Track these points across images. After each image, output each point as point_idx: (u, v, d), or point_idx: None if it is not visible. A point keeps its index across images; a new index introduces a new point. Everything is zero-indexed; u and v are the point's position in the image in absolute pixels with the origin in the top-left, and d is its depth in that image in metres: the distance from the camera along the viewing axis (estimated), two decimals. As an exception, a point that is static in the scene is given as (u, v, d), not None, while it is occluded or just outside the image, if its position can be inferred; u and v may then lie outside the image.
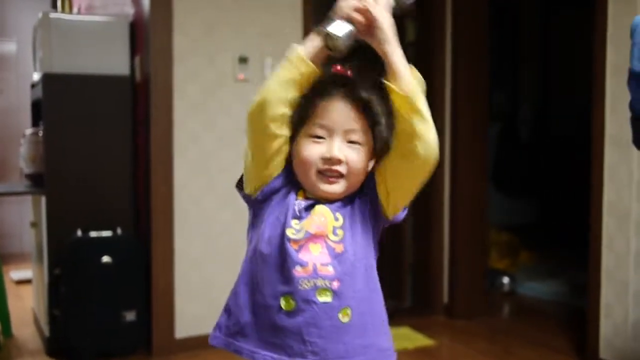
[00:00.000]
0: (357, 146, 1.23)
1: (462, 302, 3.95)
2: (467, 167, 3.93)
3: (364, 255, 1.25)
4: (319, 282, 1.19)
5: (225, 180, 3.23)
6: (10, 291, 3.91)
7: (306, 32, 3.53)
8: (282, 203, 1.25)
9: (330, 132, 1.22)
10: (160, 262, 3.27)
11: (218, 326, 1.29)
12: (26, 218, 4.57)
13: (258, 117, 1.21)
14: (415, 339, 3.49)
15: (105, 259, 3.16)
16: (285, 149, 1.24)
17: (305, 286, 1.19)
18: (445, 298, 4.00)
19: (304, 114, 1.23)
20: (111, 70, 3.35)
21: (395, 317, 4.09)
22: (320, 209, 1.24)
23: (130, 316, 3.22)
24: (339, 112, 1.22)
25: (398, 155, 1.21)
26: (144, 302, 3.27)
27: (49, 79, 3.25)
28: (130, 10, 3.49)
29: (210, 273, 3.36)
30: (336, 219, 1.24)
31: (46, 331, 3.31)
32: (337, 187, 1.23)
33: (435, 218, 3.97)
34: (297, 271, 1.19)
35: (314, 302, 1.19)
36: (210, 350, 3.60)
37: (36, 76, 3.53)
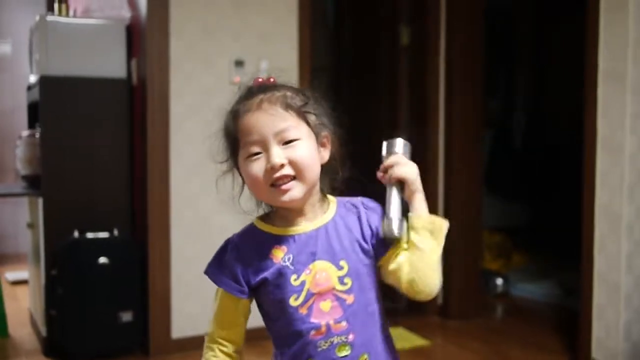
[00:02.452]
0: (295, 142, 1.17)
1: (456, 303, 3.98)
2: (461, 172, 3.96)
3: (373, 295, 1.24)
4: (335, 340, 1.18)
5: (221, 182, 3.25)
6: (6, 292, 3.92)
7: (302, 36, 3.56)
8: (270, 274, 1.20)
9: (263, 143, 1.16)
10: (156, 263, 3.30)
11: None
12: (21, 219, 4.58)
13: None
14: (409, 340, 3.53)
15: (102, 259, 3.18)
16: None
17: (324, 347, 1.18)
18: (440, 299, 4.03)
19: (233, 141, 1.21)
20: (108, 73, 3.36)
21: (391, 317, 4.11)
22: (320, 264, 1.19)
23: (126, 317, 3.24)
24: (260, 120, 1.16)
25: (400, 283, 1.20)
26: (141, 303, 3.29)
27: (45, 82, 3.27)
28: (127, 13, 3.51)
29: (206, 274, 3.38)
30: (340, 268, 1.20)
31: (43, 331, 3.33)
32: (295, 192, 1.17)
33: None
34: (313, 335, 1.18)
35: (334, 359, 1.18)
36: (207, 350, 3.58)
37: (33, 78, 3.54)
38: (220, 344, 1.25)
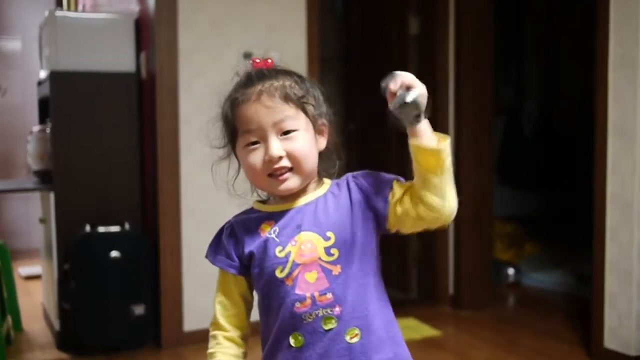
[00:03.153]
0: (293, 134, 1.17)
1: (468, 293, 3.97)
2: (472, 160, 3.94)
3: (365, 267, 1.20)
4: (321, 312, 1.16)
5: (231, 174, 3.26)
6: (19, 287, 3.95)
7: (310, 26, 3.55)
8: (255, 247, 1.21)
9: (261, 133, 1.17)
10: (168, 256, 3.31)
11: None
12: (33, 214, 4.61)
13: None
14: (421, 330, 3.53)
15: (114, 253, 3.20)
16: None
17: (309, 319, 1.17)
18: (451, 289, 4.03)
19: (231, 129, 1.22)
20: (117, 67, 3.38)
21: (402, 308, 4.14)
22: (305, 235, 1.19)
23: (139, 310, 3.26)
24: (259, 109, 1.17)
25: (415, 211, 1.15)
26: (153, 296, 3.31)
27: (55, 77, 3.28)
28: (135, 7, 3.51)
29: (218, 267, 3.39)
30: (327, 239, 1.18)
31: (56, 325, 3.35)
32: (292, 182, 1.19)
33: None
34: (298, 307, 1.17)
35: (320, 333, 1.17)
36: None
37: (43, 74, 3.56)
38: (223, 328, 1.27)
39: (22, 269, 4.96)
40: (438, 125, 3.98)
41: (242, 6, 3.42)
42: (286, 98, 1.18)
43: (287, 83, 1.20)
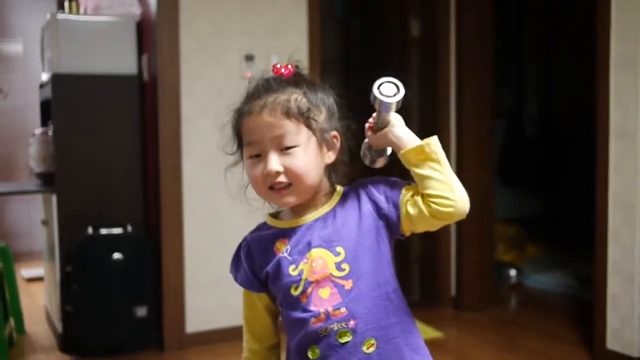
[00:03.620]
0: (293, 150, 1.18)
1: (470, 295, 3.98)
2: (474, 163, 3.95)
3: (378, 278, 1.22)
4: (336, 327, 1.18)
5: (234, 177, 3.26)
6: (22, 289, 3.95)
7: (311, 29, 3.56)
8: (271, 267, 1.24)
9: (262, 147, 1.19)
10: (170, 258, 3.31)
11: None
12: (35, 217, 4.61)
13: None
14: (423, 332, 3.49)
15: (116, 255, 3.20)
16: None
17: (324, 333, 1.19)
18: (453, 291, 4.03)
19: (238, 138, 1.25)
20: (119, 70, 3.38)
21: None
22: (316, 252, 1.20)
23: (141, 312, 3.26)
24: (260, 124, 1.18)
25: (428, 211, 1.16)
26: (155, 298, 3.31)
27: (57, 79, 3.29)
28: (137, 10, 3.52)
29: (220, 268, 3.39)
30: (337, 254, 1.20)
31: (59, 327, 3.36)
32: (289, 198, 1.21)
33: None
34: (313, 323, 1.19)
35: (336, 346, 1.19)
36: (221, 344, 3.63)
37: (45, 76, 3.56)
38: (250, 343, 1.33)
39: (25, 271, 4.97)
40: (439, 127, 4.00)
41: (243, 9, 3.43)
42: (288, 113, 1.18)
43: (294, 97, 1.19)
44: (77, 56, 3.30)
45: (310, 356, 1.21)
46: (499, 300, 4.20)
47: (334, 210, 1.24)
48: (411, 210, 1.18)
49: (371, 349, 1.19)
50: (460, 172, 3.93)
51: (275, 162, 1.17)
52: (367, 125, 1.26)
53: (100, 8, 3.71)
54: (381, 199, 1.22)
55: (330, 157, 1.24)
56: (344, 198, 1.25)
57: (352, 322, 1.18)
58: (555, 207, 6.09)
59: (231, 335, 3.26)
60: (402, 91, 1.18)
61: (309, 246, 1.21)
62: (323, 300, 1.19)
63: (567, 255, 5.09)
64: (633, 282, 2.96)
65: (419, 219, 1.18)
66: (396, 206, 1.20)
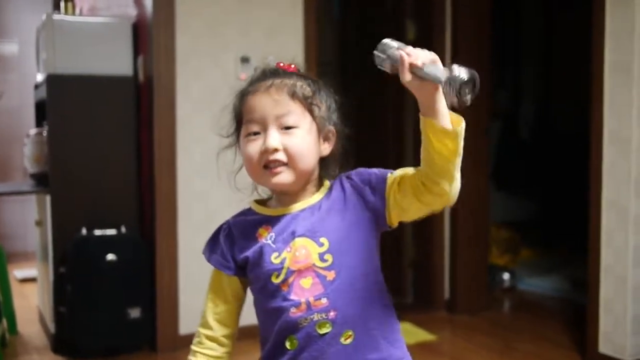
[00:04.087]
0: (294, 130, 1.19)
1: (463, 298, 3.98)
2: (468, 165, 3.90)
3: (361, 270, 1.21)
4: (316, 317, 1.18)
5: (226, 178, 3.27)
6: (15, 290, 3.94)
7: (307, 30, 3.56)
8: (251, 253, 1.23)
9: (263, 123, 1.19)
10: (164, 260, 3.31)
11: None
12: (29, 217, 4.60)
13: None
14: (416, 334, 3.53)
15: (110, 256, 3.20)
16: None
17: (304, 323, 1.18)
18: (447, 294, 4.04)
19: (237, 116, 1.25)
20: (114, 71, 3.38)
21: (397, 312, 4.12)
22: (300, 242, 1.20)
23: (135, 313, 3.26)
24: (265, 100, 1.19)
25: (420, 198, 1.15)
26: (149, 299, 3.31)
27: (52, 80, 3.29)
28: (133, 11, 3.52)
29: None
30: (320, 245, 1.20)
31: (52, 328, 3.35)
32: (284, 177, 1.20)
33: (436, 214, 3.98)
34: (293, 312, 1.18)
35: (315, 336, 1.18)
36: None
37: (40, 77, 3.56)
38: (209, 327, 1.29)
39: (18, 272, 4.96)
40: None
41: (239, 10, 3.43)
42: (293, 95, 1.20)
43: (299, 83, 1.22)
44: (72, 57, 3.30)
45: (287, 347, 1.20)
46: (492, 303, 4.21)
47: (320, 202, 1.25)
48: (401, 199, 1.18)
49: (348, 340, 1.19)
50: (455, 176, 3.94)
51: (275, 138, 1.18)
52: (407, 57, 1.15)
53: (96, 9, 3.71)
54: (366, 191, 1.22)
55: (326, 149, 1.26)
56: (330, 191, 1.26)
57: (332, 313, 1.18)
58: (549, 211, 6.10)
59: (225, 337, 3.27)
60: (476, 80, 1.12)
61: (293, 235, 1.21)
62: (304, 290, 1.19)
63: (561, 258, 5.11)
64: (625, 286, 2.98)
65: (409, 207, 1.19)
66: (382, 197, 1.20)
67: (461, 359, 3.31)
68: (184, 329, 3.36)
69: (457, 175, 1.18)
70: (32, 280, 4.50)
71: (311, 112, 1.22)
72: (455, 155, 1.15)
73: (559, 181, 5.99)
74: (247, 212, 1.30)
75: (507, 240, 4.94)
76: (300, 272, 1.19)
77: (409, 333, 3.54)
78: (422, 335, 3.53)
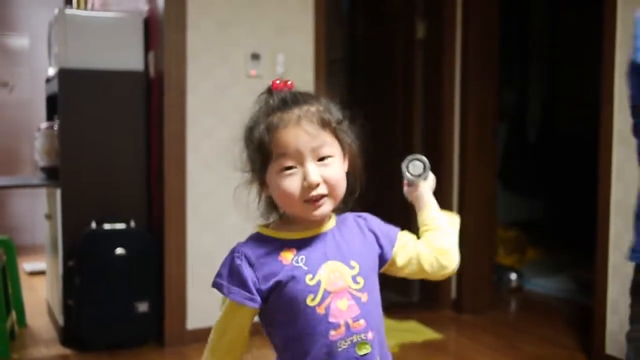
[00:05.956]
0: (329, 160, 1.18)
1: (470, 297, 3.98)
2: (476, 165, 3.95)
3: (379, 296, 1.26)
4: (355, 339, 1.18)
5: (236, 175, 3.28)
6: (23, 282, 3.96)
7: (317, 28, 3.57)
8: (283, 277, 1.18)
9: (299, 158, 1.16)
10: (172, 254, 3.33)
11: None
12: (38, 210, 4.63)
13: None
14: (423, 333, 3.54)
15: (119, 250, 3.22)
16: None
17: (344, 346, 1.17)
18: (453, 293, 4.04)
19: (265, 153, 1.18)
20: (125, 66, 3.40)
21: (403, 311, 4.15)
22: (332, 264, 1.19)
23: (142, 307, 3.28)
24: (300, 135, 1.16)
25: (421, 268, 1.31)
26: (157, 294, 3.33)
27: (64, 74, 3.31)
28: (144, 6, 3.54)
29: (222, 266, 3.41)
30: (351, 267, 1.21)
31: (60, 321, 3.38)
32: (326, 208, 1.19)
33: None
34: (332, 335, 1.17)
35: (355, 358, 1.18)
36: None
37: (51, 71, 3.58)
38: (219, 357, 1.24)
39: (27, 265, 4.99)
40: (442, 130, 4.00)
41: (249, 8, 3.44)
42: (324, 124, 1.19)
43: (321, 108, 1.20)
44: (84, 51, 3.32)
45: None
46: (498, 303, 4.21)
47: (337, 226, 1.26)
48: (404, 259, 1.30)
49: (378, 358, 1.22)
50: (463, 175, 3.95)
51: (316, 173, 1.16)
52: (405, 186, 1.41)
53: (108, 4, 3.73)
54: (379, 233, 1.29)
55: (346, 166, 1.26)
56: (340, 220, 1.27)
57: (370, 335, 1.19)
58: (555, 211, 6.09)
59: (231, 332, 3.28)
60: (428, 171, 1.38)
61: (325, 257, 1.20)
62: (342, 312, 1.18)
63: (567, 259, 5.10)
64: (633, 288, 2.97)
65: (407, 270, 1.30)
66: (392, 245, 1.29)
67: (467, 358, 3.32)
68: (191, 324, 3.37)
69: (457, 250, 1.36)
70: (41, 273, 4.52)
71: (338, 137, 1.21)
72: (456, 232, 1.38)
73: (565, 181, 5.98)
74: (258, 237, 1.24)
75: (513, 241, 4.94)
76: (336, 294, 1.18)
77: (415, 332, 3.55)
78: (428, 334, 3.54)
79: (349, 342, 1.17)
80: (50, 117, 3.76)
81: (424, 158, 1.38)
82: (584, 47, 4.94)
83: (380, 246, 1.27)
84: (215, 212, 3.39)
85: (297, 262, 1.18)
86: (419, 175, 1.37)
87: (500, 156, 5.24)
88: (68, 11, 3.35)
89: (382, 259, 1.28)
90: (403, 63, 4.29)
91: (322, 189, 1.17)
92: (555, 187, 6.15)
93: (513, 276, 4.57)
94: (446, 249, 1.32)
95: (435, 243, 1.32)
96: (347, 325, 1.17)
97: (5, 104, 5.98)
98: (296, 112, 1.17)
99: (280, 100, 1.19)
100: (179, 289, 3.35)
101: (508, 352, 3.36)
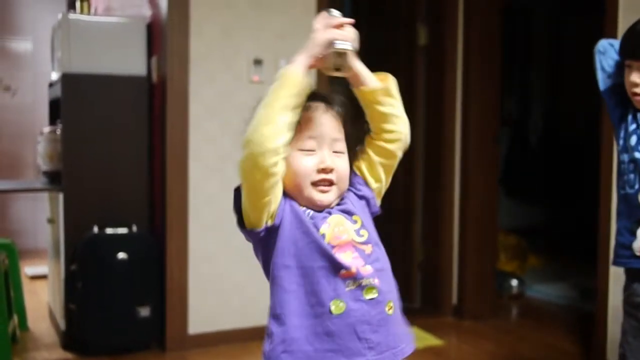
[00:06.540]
0: (340, 155, 1.29)
1: (471, 304, 3.98)
2: (478, 171, 3.96)
3: (382, 246, 1.32)
4: (364, 282, 1.24)
5: (238, 180, 3.28)
6: (25, 286, 3.97)
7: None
8: (293, 215, 1.25)
9: (320, 142, 1.27)
10: (174, 259, 3.33)
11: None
12: (40, 215, 4.64)
13: (260, 166, 1.18)
14: (424, 339, 3.54)
15: (121, 255, 3.22)
16: (283, 172, 1.23)
17: (352, 287, 1.23)
18: (454, 299, 4.04)
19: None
20: (128, 71, 3.41)
21: (405, 317, 4.13)
22: (334, 219, 1.27)
23: (144, 312, 3.28)
24: (326, 123, 1.28)
25: (381, 140, 1.32)
26: (158, 298, 3.33)
27: (67, 79, 3.32)
28: (147, 12, 3.55)
29: (224, 270, 3.42)
30: (354, 222, 1.29)
31: (62, 325, 3.38)
32: (330, 195, 1.28)
33: (445, 220, 4.01)
34: (342, 274, 1.23)
35: (363, 301, 1.23)
36: (223, 345, 3.63)
37: (54, 76, 3.59)
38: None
39: (29, 269, 4.99)
40: (445, 134, 3.99)
41: (252, 14, 3.45)
42: (343, 123, 1.31)
43: (341, 110, 1.33)
44: (87, 56, 3.33)
45: (332, 310, 1.21)
46: (499, 309, 4.21)
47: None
48: (370, 163, 1.33)
49: (391, 311, 1.27)
50: (465, 180, 3.95)
51: (333, 159, 1.27)
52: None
53: (111, 9, 3.75)
54: (354, 189, 1.34)
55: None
56: None
57: (376, 281, 1.25)
58: (557, 218, 6.09)
59: (233, 337, 3.28)
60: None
61: (328, 213, 1.28)
62: (350, 259, 1.25)
63: (569, 266, 5.10)
64: (634, 295, 2.97)
65: (378, 164, 1.33)
66: (361, 182, 1.34)
67: (468, 364, 3.32)
68: (192, 328, 3.37)
69: (403, 112, 1.35)
70: (43, 277, 4.53)
71: (347, 140, 1.32)
72: (396, 101, 1.35)
73: (567, 188, 5.98)
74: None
75: (515, 247, 4.93)
76: (340, 247, 1.24)
77: (416, 337, 3.52)
78: (429, 340, 3.54)
79: (357, 284, 1.24)
80: (53, 122, 3.77)
81: (335, 11, 1.39)
82: (585, 52, 4.94)
83: (361, 196, 1.34)
84: (217, 217, 3.39)
85: (306, 213, 1.27)
86: (351, 47, 1.34)
87: (501, 163, 5.25)
88: (71, 16, 3.37)
89: (369, 199, 1.34)
90: (405, 69, 4.30)
91: (332, 176, 1.27)
92: (556, 193, 6.15)
93: (514, 283, 4.57)
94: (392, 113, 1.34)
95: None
96: (358, 269, 1.24)
97: (8, 108, 5.99)
98: (323, 102, 1.30)
99: (312, 92, 1.28)
100: (181, 293, 3.35)
101: (509, 359, 3.36)
